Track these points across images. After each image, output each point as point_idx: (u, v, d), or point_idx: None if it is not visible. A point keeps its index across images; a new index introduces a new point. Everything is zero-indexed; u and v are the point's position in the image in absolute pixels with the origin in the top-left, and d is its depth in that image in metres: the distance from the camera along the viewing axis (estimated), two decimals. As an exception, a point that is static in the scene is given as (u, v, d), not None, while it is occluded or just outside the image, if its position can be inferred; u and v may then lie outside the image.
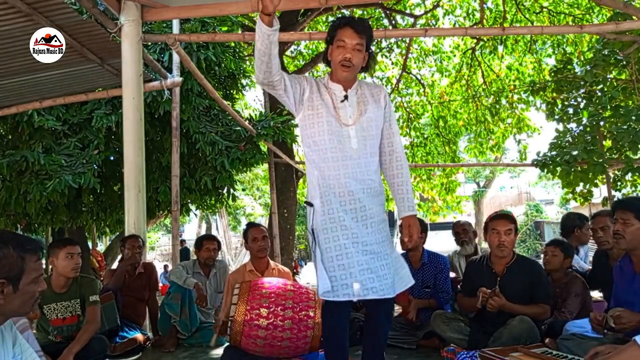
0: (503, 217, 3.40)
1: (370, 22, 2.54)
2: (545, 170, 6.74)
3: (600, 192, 11.41)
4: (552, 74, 7.31)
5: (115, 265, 6.20)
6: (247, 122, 7.43)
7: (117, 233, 10.64)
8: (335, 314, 2.40)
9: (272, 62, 2.26)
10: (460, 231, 4.94)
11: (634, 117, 5.86)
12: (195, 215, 21.62)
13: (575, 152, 6.29)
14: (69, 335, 3.48)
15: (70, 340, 3.32)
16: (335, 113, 2.42)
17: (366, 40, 2.42)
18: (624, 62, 6.18)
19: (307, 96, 2.44)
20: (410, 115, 11.93)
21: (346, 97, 2.46)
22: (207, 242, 4.53)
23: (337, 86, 2.47)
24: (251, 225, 4.20)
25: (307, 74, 2.41)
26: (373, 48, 2.62)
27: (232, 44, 7.93)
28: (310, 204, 2.42)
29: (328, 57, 2.48)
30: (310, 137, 2.44)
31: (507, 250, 3.32)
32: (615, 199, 6.90)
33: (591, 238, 4.56)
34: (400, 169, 2.50)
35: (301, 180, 10.27)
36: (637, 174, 6.46)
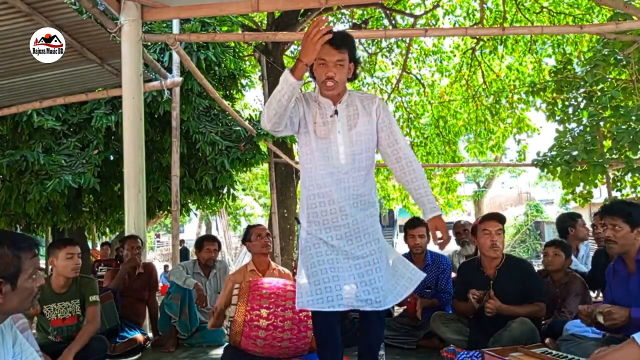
0: (493, 217, 3.41)
1: (349, 35, 2.43)
2: (545, 170, 6.74)
3: (600, 193, 11.41)
4: (552, 74, 7.31)
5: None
6: (247, 122, 7.44)
7: (117, 233, 10.65)
8: (321, 324, 2.37)
9: (286, 114, 2.24)
10: (461, 231, 4.93)
11: (634, 117, 5.86)
12: (196, 215, 21.62)
13: (575, 153, 6.28)
14: (68, 335, 3.48)
15: (69, 341, 3.32)
16: (324, 128, 2.39)
17: (348, 53, 2.35)
18: (624, 62, 6.17)
19: (300, 115, 2.40)
20: (411, 115, 11.93)
21: (336, 111, 2.41)
22: (207, 242, 4.51)
23: (327, 101, 2.42)
24: (252, 225, 4.22)
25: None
26: (360, 54, 2.54)
27: (232, 44, 7.93)
28: (299, 222, 2.47)
29: (314, 73, 2.38)
30: (304, 154, 2.43)
31: (499, 250, 3.33)
32: (617, 199, 6.91)
33: (590, 235, 4.58)
34: (413, 173, 2.44)
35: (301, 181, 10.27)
36: (637, 174, 6.45)
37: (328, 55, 2.31)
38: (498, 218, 3.39)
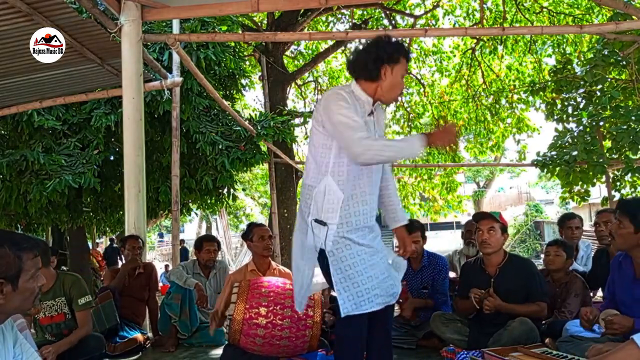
0: (484, 215, 3.48)
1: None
2: (545, 170, 6.74)
3: (600, 192, 11.42)
4: (552, 74, 7.31)
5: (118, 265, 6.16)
6: (247, 122, 7.44)
7: (117, 233, 10.65)
8: (359, 327, 2.36)
9: None
10: (474, 230, 4.86)
11: (634, 117, 5.87)
12: (196, 215, 21.62)
13: (575, 153, 6.29)
14: (58, 332, 3.48)
15: (62, 337, 3.33)
16: (366, 128, 2.35)
17: None
18: (624, 62, 6.18)
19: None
20: (411, 115, 11.94)
21: (372, 112, 2.44)
22: (207, 243, 4.51)
23: (368, 99, 2.41)
24: (255, 224, 4.17)
25: (342, 93, 2.41)
26: None
27: (232, 44, 7.93)
28: (323, 223, 2.35)
29: (381, 75, 2.35)
30: (343, 156, 2.35)
31: (490, 248, 3.35)
32: (615, 199, 6.92)
33: (590, 236, 4.60)
34: (387, 181, 2.57)
35: (301, 180, 10.27)
36: (636, 174, 6.45)
37: (406, 72, 2.50)
38: (491, 216, 3.42)
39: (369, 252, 2.35)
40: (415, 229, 3.95)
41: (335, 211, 2.34)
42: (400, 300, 3.86)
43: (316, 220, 2.34)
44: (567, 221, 4.61)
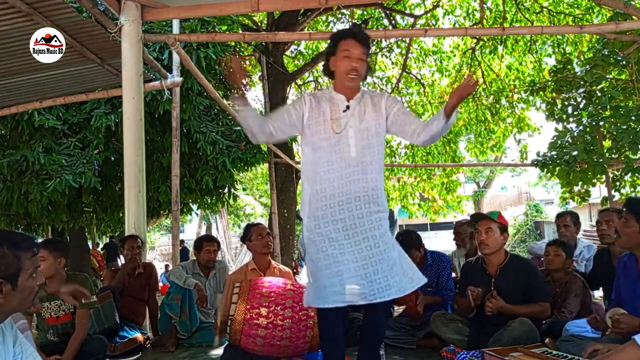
0: (482, 216, 3.50)
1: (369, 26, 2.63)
2: (545, 170, 6.75)
3: (600, 192, 11.43)
4: (552, 74, 7.31)
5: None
6: (247, 122, 7.43)
7: (117, 232, 10.65)
8: (326, 321, 2.47)
9: (263, 130, 2.48)
10: (461, 231, 4.87)
11: (634, 117, 5.87)
12: (197, 215, 21.61)
13: (575, 152, 6.29)
14: (64, 332, 3.47)
15: (66, 338, 3.33)
16: (336, 124, 2.47)
17: (367, 51, 2.50)
18: (624, 62, 6.17)
19: (306, 117, 2.51)
20: (411, 115, 11.91)
21: (348, 107, 2.50)
22: (207, 243, 4.50)
23: (341, 97, 2.52)
24: (252, 224, 4.20)
25: (307, 92, 2.58)
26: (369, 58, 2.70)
27: (232, 44, 7.93)
28: (301, 218, 2.55)
29: (331, 68, 2.51)
30: (309, 152, 2.52)
31: (488, 248, 3.35)
32: (615, 199, 6.93)
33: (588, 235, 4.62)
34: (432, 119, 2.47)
35: (301, 180, 10.28)
36: (636, 174, 6.45)
37: (353, 47, 2.43)
38: (488, 217, 3.43)
39: (338, 249, 2.51)
40: (414, 246, 3.97)
41: (305, 207, 2.57)
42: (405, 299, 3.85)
43: (297, 216, 2.57)
44: (558, 219, 4.69)
